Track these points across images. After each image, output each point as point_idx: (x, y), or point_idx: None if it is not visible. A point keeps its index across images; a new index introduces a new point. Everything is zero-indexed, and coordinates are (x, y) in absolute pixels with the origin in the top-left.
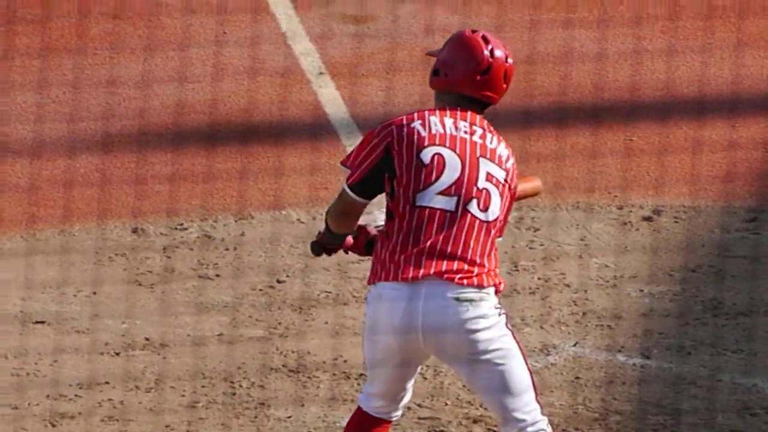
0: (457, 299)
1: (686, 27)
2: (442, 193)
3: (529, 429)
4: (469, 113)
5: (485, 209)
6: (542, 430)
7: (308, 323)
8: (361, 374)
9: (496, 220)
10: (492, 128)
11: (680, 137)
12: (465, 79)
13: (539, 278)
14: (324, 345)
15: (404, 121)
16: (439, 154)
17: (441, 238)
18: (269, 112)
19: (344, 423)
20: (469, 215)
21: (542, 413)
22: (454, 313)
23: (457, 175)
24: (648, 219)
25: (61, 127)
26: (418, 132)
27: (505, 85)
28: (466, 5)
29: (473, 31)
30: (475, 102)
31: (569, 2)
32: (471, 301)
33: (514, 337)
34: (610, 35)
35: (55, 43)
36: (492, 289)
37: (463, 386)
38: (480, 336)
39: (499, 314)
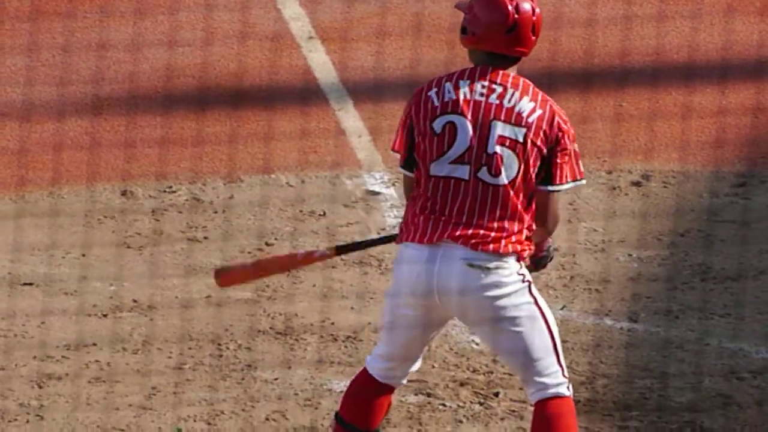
0: (471, 265)
1: None
2: (455, 161)
3: (548, 391)
4: (490, 71)
5: (497, 174)
6: (559, 394)
7: (296, 286)
8: (348, 337)
9: (514, 181)
10: (518, 81)
11: (670, 103)
12: (493, 36)
13: None
14: (312, 308)
15: (423, 90)
16: (450, 122)
17: (456, 205)
18: (259, 77)
19: (332, 385)
20: (481, 182)
21: (564, 374)
22: (469, 278)
23: (467, 142)
24: (637, 184)
25: (50, 90)
26: (432, 101)
27: (534, 38)
28: None
29: None
30: (506, 57)
31: None
32: (485, 268)
33: (537, 304)
34: (600, 0)
35: (44, 6)
36: (512, 257)
37: (450, 349)
38: (497, 303)
39: (522, 281)
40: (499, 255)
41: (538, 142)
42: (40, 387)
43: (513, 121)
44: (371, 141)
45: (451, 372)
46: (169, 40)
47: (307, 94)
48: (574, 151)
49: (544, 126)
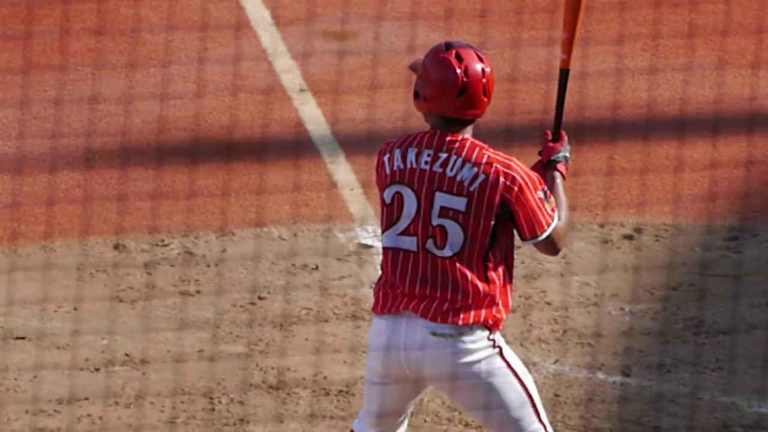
0: (434, 334)
1: (667, 45)
2: (402, 233)
3: None
4: (437, 136)
5: (442, 246)
6: None
7: (289, 340)
8: (341, 391)
9: (462, 252)
10: (464, 146)
11: (661, 156)
12: (443, 100)
13: (520, 296)
14: (304, 362)
15: (381, 154)
16: (398, 192)
17: (409, 277)
18: (251, 129)
19: None
20: (429, 255)
21: (546, 430)
22: (435, 348)
23: (413, 214)
24: (629, 237)
25: (42, 143)
26: (384, 168)
27: (486, 99)
28: (448, 23)
29: (446, 48)
30: (460, 120)
31: (551, 20)
32: (448, 336)
33: (511, 368)
34: (591, 53)
35: (36, 59)
36: (477, 327)
37: (443, 402)
38: (467, 370)
39: (492, 346)
40: (459, 326)
41: (484, 209)
42: None
43: (455, 190)
44: (363, 194)
45: (443, 426)
46: (161, 93)
47: (298, 146)
48: (539, 198)
49: (488, 192)
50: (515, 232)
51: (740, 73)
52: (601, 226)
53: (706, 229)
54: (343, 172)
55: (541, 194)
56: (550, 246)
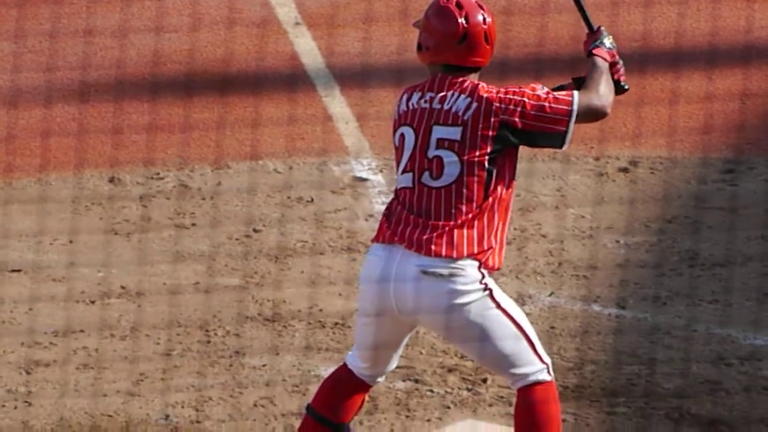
0: (425, 272)
1: None
2: (404, 171)
3: (529, 379)
4: (439, 78)
5: (438, 176)
6: (539, 380)
7: (284, 272)
8: (336, 323)
9: (460, 181)
10: (465, 84)
11: (657, 88)
12: (446, 49)
13: (515, 228)
14: (299, 294)
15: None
16: (402, 134)
17: (406, 210)
18: (246, 63)
19: (319, 371)
20: (425, 188)
21: (543, 360)
22: (425, 288)
23: (410, 151)
24: (624, 170)
25: (38, 76)
26: (394, 115)
27: (488, 46)
28: None
29: None
30: (462, 68)
31: None
32: (439, 275)
33: (501, 308)
34: None
35: None
36: (468, 261)
37: (438, 335)
38: (458, 313)
39: (483, 289)
40: (453, 259)
41: (479, 137)
42: (28, 373)
43: (450, 121)
44: (358, 127)
45: (438, 358)
46: (156, 26)
47: (294, 80)
48: (543, 95)
49: (482, 119)
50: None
51: (736, 6)
52: (597, 159)
53: (701, 162)
54: (338, 105)
55: (540, 92)
56: (591, 115)
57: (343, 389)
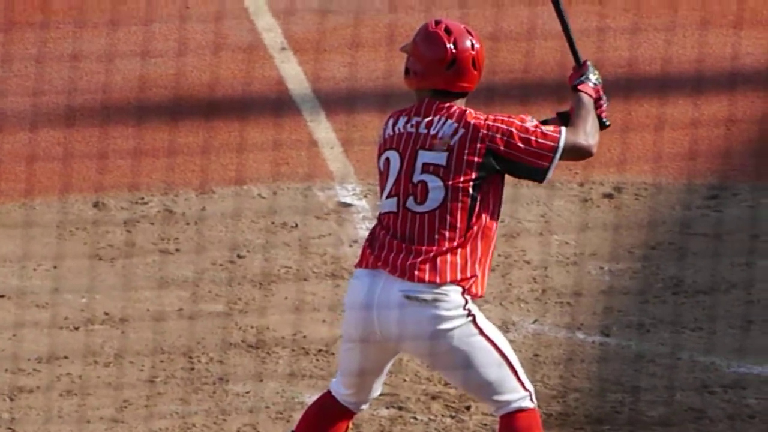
0: (408, 297)
1: (650, 5)
2: (389, 196)
3: (511, 406)
4: (425, 103)
5: (422, 201)
6: (522, 407)
7: (268, 299)
8: (320, 350)
9: (444, 207)
10: (452, 109)
11: (642, 115)
12: (433, 74)
13: (500, 255)
14: (284, 321)
15: (383, 128)
16: (387, 158)
17: (390, 235)
18: (232, 88)
19: (303, 398)
20: (409, 213)
21: (525, 387)
22: (408, 313)
23: (395, 175)
24: (609, 196)
25: (23, 101)
26: (380, 139)
27: (476, 72)
28: None
29: (436, 23)
30: (450, 93)
31: None
32: (422, 300)
33: (484, 334)
34: (573, 12)
35: (18, 17)
36: (452, 287)
37: (422, 362)
38: (441, 339)
39: (467, 315)
40: (437, 285)
41: (465, 162)
42: (12, 400)
43: (437, 146)
44: (343, 152)
45: (422, 385)
46: (142, 51)
47: (279, 105)
48: (532, 127)
49: (468, 145)
50: (530, 172)
51: (722, 33)
52: (581, 184)
53: (686, 188)
54: (323, 130)
55: (529, 124)
56: (576, 154)
57: (327, 416)
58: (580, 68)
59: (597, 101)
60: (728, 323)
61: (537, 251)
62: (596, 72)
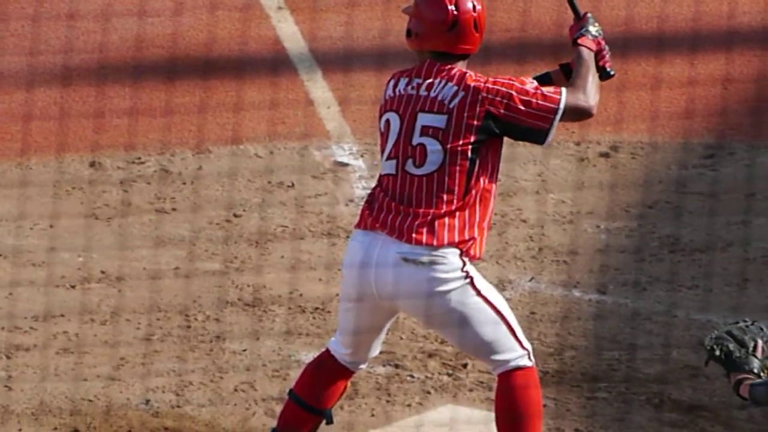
0: (405, 259)
1: None
2: (388, 158)
3: (509, 365)
4: (426, 65)
5: (420, 164)
6: (520, 365)
7: (264, 257)
8: (317, 308)
9: (442, 169)
10: (453, 72)
11: (639, 73)
12: (435, 36)
13: (496, 214)
14: (280, 279)
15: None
16: (387, 119)
17: (388, 198)
18: (228, 47)
19: (300, 356)
20: (408, 175)
21: (523, 346)
22: (405, 275)
23: (395, 137)
24: (605, 155)
25: (20, 60)
26: (381, 100)
27: (478, 34)
28: None
29: None
30: (451, 55)
31: None
32: (419, 263)
33: (482, 295)
34: None
35: None
36: (449, 249)
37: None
38: (438, 300)
39: (465, 277)
40: (434, 247)
41: (464, 125)
42: (8, 358)
43: (435, 109)
44: (340, 112)
45: (419, 343)
46: (139, 10)
47: (276, 64)
48: (532, 89)
49: (467, 107)
50: (530, 134)
51: None
52: (577, 144)
53: (682, 147)
54: (320, 89)
55: (529, 86)
56: (576, 115)
57: (326, 375)
58: (580, 21)
59: (599, 53)
60: (724, 281)
61: (533, 210)
62: (596, 24)
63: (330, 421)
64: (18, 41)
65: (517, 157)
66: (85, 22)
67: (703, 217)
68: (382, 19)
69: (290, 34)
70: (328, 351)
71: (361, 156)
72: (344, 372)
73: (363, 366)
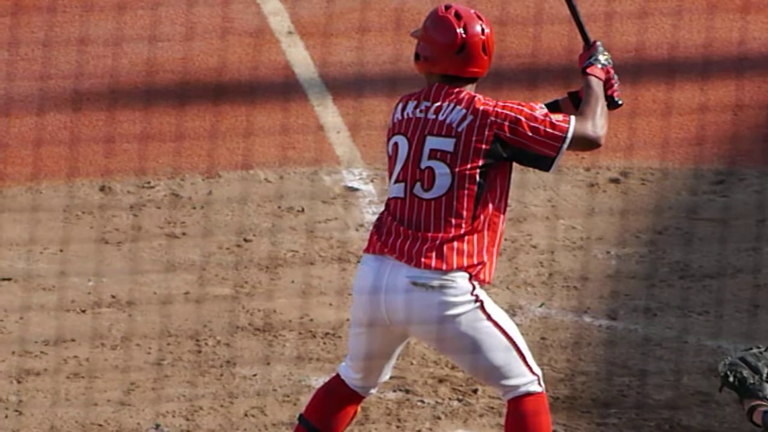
0: (415, 283)
1: None
2: (397, 181)
3: (519, 390)
4: (435, 88)
5: (429, 188)
6: (530, 391)
7: (275, 282)
8: (327, 333)
9: (450, 193)
10: (461, 95)
11: (649, 99)
12: (443, 59)
13: (507, 239)
14: (290, 304)
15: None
16: (396, 143)
17: (397, 222)
18: (239, 72)
19: (310, 381)
20: (416, 199)
21: (533, 372)
22: (415, 299)
23: (403, 161)
24: (616, 181)
25: (30, 84)
26: (389, 123)
27: (486, 57)
28: None
29: (446, 8)
30: (460, 78)
31: None
32: (429, 287)
33: (492, 320)
34: None
35: (25, 1)
36: (459, 273)
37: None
38: (448, 324)
39: (475, 301)
40: (444, 271)
41: (472, 149)
42: (19, 382)
43: (444, 132)
44: (350, 137)
45: (429, 369)
46: (150, 35)
47: (286, 89)
48: (541, 116)
49: (476, 131)
50: (537, 160)
51: (729, 17)
52: (588, 169)
53: (693, 173)
54: (330, 114)
55: (539, 113)
56: (584, 145)
57: (336, 400)
58: (589, 49)
59: (607, 82)
60: (735, 307)
61: (544, 236)
62: (606, 52)
63: None
64: (28, 66)
65: (527, 182)
66: (95, 47)
67: (714, 243)
68: (392, 44)
69: (300, 59)
70: (338, 376)
71: (372, 181)
72: (354, 397)
73: (373, 391)
